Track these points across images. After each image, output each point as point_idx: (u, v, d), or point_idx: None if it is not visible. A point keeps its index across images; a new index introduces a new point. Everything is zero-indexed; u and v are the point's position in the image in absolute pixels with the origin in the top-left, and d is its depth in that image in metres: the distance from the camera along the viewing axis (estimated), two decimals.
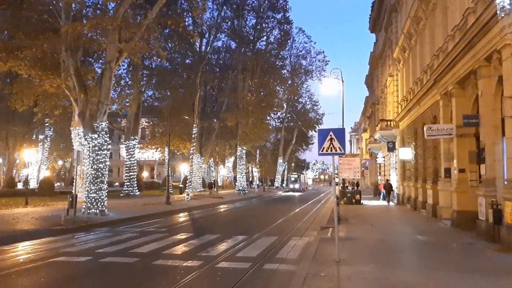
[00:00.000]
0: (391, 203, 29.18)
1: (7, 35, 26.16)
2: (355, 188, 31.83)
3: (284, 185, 77.57)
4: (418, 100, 21.95)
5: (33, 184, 44.31)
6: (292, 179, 69.39)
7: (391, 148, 30.94)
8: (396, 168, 31.00)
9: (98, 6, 26.88)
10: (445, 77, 16.51)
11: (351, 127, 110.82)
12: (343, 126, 19.33)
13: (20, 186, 48.91)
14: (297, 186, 65.96)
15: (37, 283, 8.01)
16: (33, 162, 52.03)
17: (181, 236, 13.98)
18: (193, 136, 39.93)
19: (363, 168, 54.05)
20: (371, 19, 46.39)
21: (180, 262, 9.53)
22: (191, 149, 39.92)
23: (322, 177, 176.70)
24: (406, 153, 25.48)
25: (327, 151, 9.57)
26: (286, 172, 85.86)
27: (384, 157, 39.21)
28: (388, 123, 31.30)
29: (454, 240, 12.44)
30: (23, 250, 11.30)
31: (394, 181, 31.90)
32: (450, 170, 16.32)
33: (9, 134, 47.70)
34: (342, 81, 17.53)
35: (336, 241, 9.54)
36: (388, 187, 30.45)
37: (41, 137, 52.13)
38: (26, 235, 13.53)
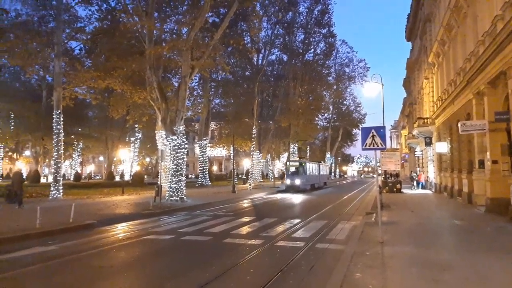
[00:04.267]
0: (427, 190, 28.59)
1: (104, 59, 27.76)
2: (396, 178, 30.57)
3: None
4: (453, 100, 20.73)
5: (127, 177, 46.72)
6: (292, 169, 34.36)
7: (428, 143, 29.50)
8: (433, 161, 29.52)
9: (174, 31, 27.88)
10: (477, 78, 15.50)
11: (391, 125, 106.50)
12: (383, 124, 18.72)
13: (117, 178, 51.78)
14: (298, 182, 32.14)
15: (132, 256, 8.50)
16: (126, 159, 54.85)
17: (245, 219, 14.20)
18: (252, 136, 40.39)
19: (402, 161, 51.88)
20: (407, 29, 44.31)
21: (245, 241, 9.70)
22: (251, 146, 40.43)
23: (365, 169, 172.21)
24: (442, 147, 24.17)
25: (369, 146, 9.34)
26: (334, 166, 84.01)
27: (422, 151, 37.42)
28: (425, 120, 29.80)
29: (488, 224, 11.68)
30: (121, 230, 11.97)
31: (432, 172, 30.41)
32: (484, 162, 15.31)
33: (108, 137, 50.79)
34: (382, 85, 16.96)
35: (379, 225, 9.30)
36: (411, 177, 35.63)
37: (132, 139, 54.87)
38: (123, 218, 14.34)
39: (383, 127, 9.79)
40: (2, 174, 46.07)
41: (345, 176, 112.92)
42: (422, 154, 37.64)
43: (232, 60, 42.85)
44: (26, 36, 24.71)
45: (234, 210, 17.89)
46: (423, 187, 32.07)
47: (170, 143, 21.31)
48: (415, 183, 32.99)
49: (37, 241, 9.74)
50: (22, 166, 69.77)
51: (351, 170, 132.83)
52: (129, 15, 23.70)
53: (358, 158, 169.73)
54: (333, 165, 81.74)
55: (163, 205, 18.05)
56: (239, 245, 9.20)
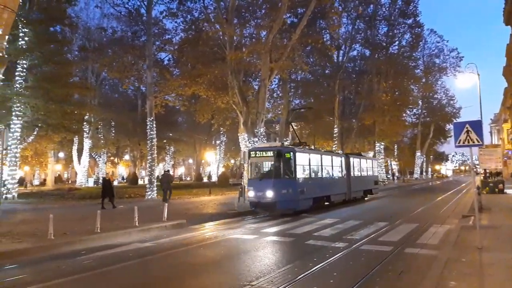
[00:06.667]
0: None
1: (190, 67, 29.57)
2: (498, 177, 27.53)
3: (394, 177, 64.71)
4: None
5: (214, 178, 49.03)
6: (265, 166, 17.07)
7: None
8: None
9: (253, 35, 28.58)
10: None
11: (491, 119, 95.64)
12: (481, 118, 17.03)
13: (205, 179, 54.60)
14: (271, 194, 15.20)
15: (218, 254, 8.88)
16: (213, 161, 57.60)
17: (328, 221, 13.94)
18: (334, 135, 39.60)
19: (505, 158, 46.56)
20: (505, 12, 39.48)
21: (328, 243, 9.54)
22: (333, 146, 39.60)
23: (462, 168, 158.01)
24: None
25: (463, 143, 8.57)
26: (425, 165, 78.60)
27: None
28: None
29: None
30: (208, 229, 12.59)
31: None
32: None
33: (195, 141, 53.89)
34: (478, 75, 15.45)
35: (477, 229, 8.47)
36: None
37: (217, 142, 57.54)
38: (210, 217, 15.05)
39: (479, 121, 8.92)
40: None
41: (442, 175, 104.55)
42: None
43: (311, 59, 42.49)
44: (121, 51, 27.39)
45: (317, 211, 17.64)
46: None
47: (251, 145, 21.85)
48: None
49: (135, 238, 10.70)
50: (122, 169, 77.30)
51: (445, 169, 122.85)
52: (211, 24, 24.94)
53: (453, 156, 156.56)
54: (424, 165, 76.67)
55: (247, 205, 18.50)
56: (321, 247, 9.09)
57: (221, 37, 24.79)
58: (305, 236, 10.58)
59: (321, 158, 19.00)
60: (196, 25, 28.92)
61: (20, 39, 22.03)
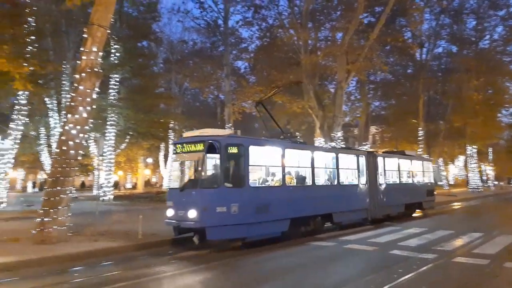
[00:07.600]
0: None
1: (265, 74, 30.06)
2: None
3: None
4: None
5: None
6: (193, 169, 11.01)
7: None
8: None
9: (328, 38, 28.13)
10: None
11: None
12: None
13: None
14: (194, 213, 8.98)
15: (295, 261, 8.72)
16: None
17: (414, 230, 12.95)
18: (419, 138, 37.28)
19: None
20: None
21: (414, 254, 8.86)
22: (418, 150, 37.16)
23: None
24: None
25: None
26: None
27: None
28: None
29: None
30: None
31: None
32: None
33: None
34: None
35: None
36: None
37: None
38: None
39: None
40: None
41: None
42: None
43: (391, 59, 40.48)
44: (201, 62, 28.81)
45: (401, 219, 16.58)
46: None
47: None
48: None
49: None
50: None
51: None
52: (285, 30, 25.07)
53: None
54: None
55: None
56: (407, 258, 8.48)
57: (296, 42, 24.80)
58: (389, 245, 9.99)
59: (312, 156, 12.20)
60: (270, 32, 29.29)
61: (112, 55, 24.23)
